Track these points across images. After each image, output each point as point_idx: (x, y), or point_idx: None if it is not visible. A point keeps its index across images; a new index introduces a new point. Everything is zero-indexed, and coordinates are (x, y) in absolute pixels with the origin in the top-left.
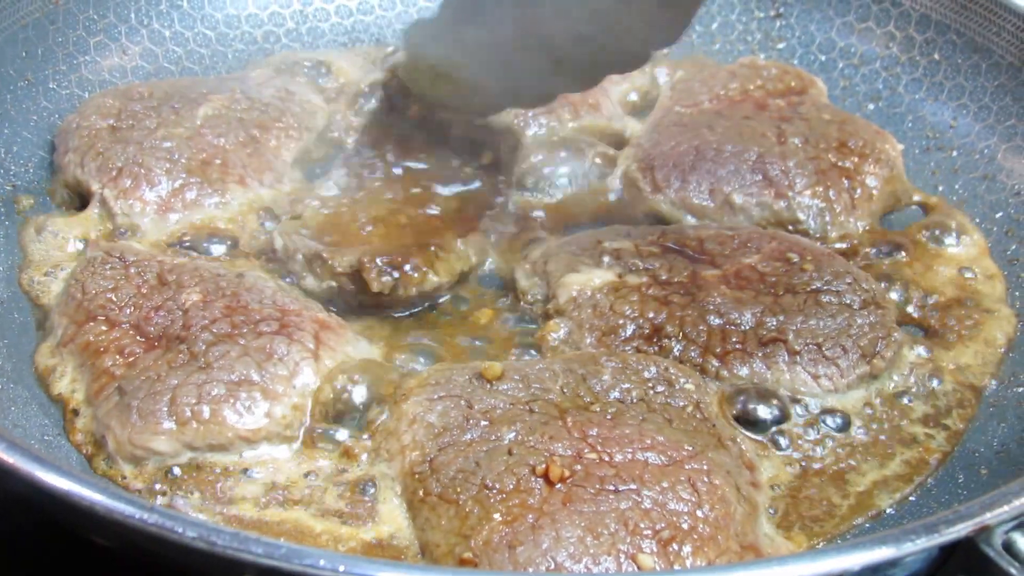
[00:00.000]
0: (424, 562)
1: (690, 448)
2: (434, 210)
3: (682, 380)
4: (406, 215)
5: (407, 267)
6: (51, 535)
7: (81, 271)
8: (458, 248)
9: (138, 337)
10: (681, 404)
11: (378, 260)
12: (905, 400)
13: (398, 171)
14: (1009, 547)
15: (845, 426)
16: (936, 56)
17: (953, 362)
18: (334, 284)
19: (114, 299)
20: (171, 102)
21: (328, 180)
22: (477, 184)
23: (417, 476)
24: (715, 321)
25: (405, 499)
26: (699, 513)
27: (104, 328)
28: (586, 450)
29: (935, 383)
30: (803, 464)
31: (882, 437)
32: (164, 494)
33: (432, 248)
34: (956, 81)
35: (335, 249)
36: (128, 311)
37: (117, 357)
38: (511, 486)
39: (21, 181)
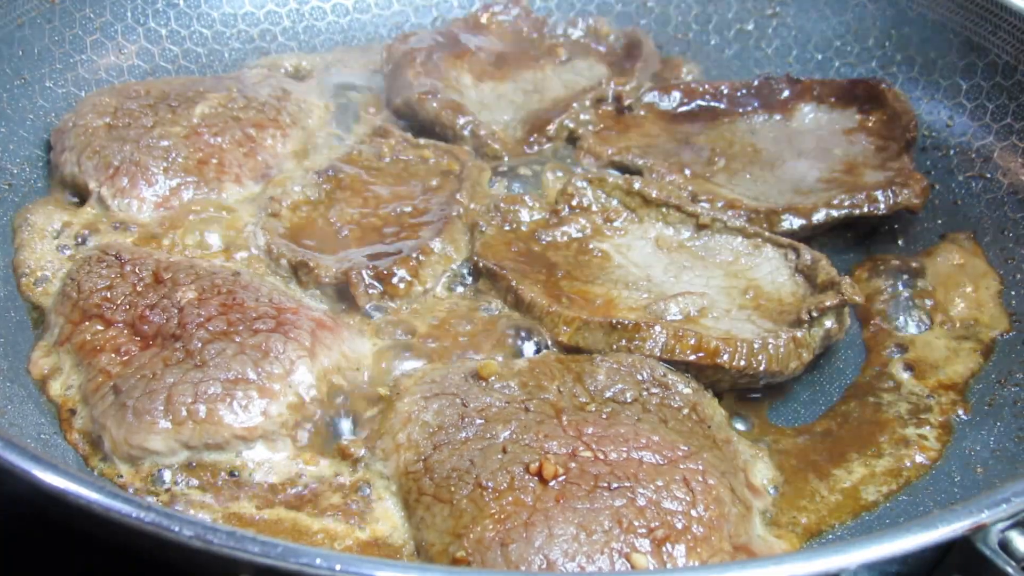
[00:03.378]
0: (419, 561)
1: (685, 448)
2: (406, 208)
3: (679, 385)
4: (379, 217)
5: (393, 279)
6: (48, 534)
7: (77, 270)
8: (437, 250)
9: (134, 336)
10: (677, 405)
11: (364, 273)
12: (896, 400)
13: (371, 179)
14: (1005, 545)
15: None
16: (932, 55)
17: (946, 361)
18: (318, 292)
19: (109, 297)
20: (168, 100)
21: (310, 180)
22: (443, 191)
23: (412, 475)
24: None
25: (400, 498)
26: (693, 512)
27: (100, 327)
28: (581, 448)
29: (927, 383)
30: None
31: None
32: (161, 493)
33: (414, 255)
34: (952, 80)
35: (320, 257)
36: (124, 310)
37: (113, 356)
38: (504, 484)
39: (18, 180)
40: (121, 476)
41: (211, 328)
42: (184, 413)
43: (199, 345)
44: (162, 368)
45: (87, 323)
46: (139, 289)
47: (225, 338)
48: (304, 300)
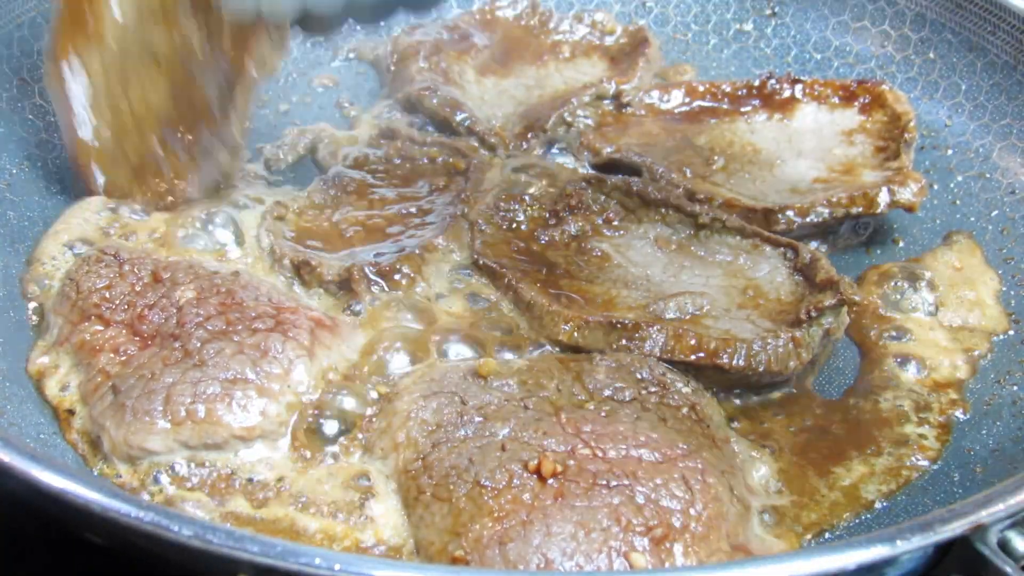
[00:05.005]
0: (419, 560)
1: (684, 447)
2: (411, 209)
3: (678, 384)
4: (384, 218)
5: (396, 276)
6: (47, 534)
7: (75, 270)
8: (441, 247)
9: (133, 335)
10: (676, 404)
11: (367, 270)
12: (895, 399)
13: (378, 181)
14: (1005, 545)
15: None
16: (931, 55)
17: (945, 360)
18: (321, 291)
19: (108, 297)
20: None
21: (317, 186)
22: (450, 190)
23: (411, 474)
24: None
25: (399, 496)
26: (692, 511)
27: (99, 327)
28: (580, 446)
29: (926, 382)
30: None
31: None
32: (160, 492)
33: (418, 252)
34: (951, 80)
35: (323, 256)
36: (122, 309)
37: (112, 356)
38: (503, 483)
39: (17, 180)
40: (120, 476)
41: (210, 327)
42: (183, 413)
43: (198, 345)
44: (161, 368)
45: (86, 323)
46: (138, 289)
47: (224, 337)
48: (304, 300)
